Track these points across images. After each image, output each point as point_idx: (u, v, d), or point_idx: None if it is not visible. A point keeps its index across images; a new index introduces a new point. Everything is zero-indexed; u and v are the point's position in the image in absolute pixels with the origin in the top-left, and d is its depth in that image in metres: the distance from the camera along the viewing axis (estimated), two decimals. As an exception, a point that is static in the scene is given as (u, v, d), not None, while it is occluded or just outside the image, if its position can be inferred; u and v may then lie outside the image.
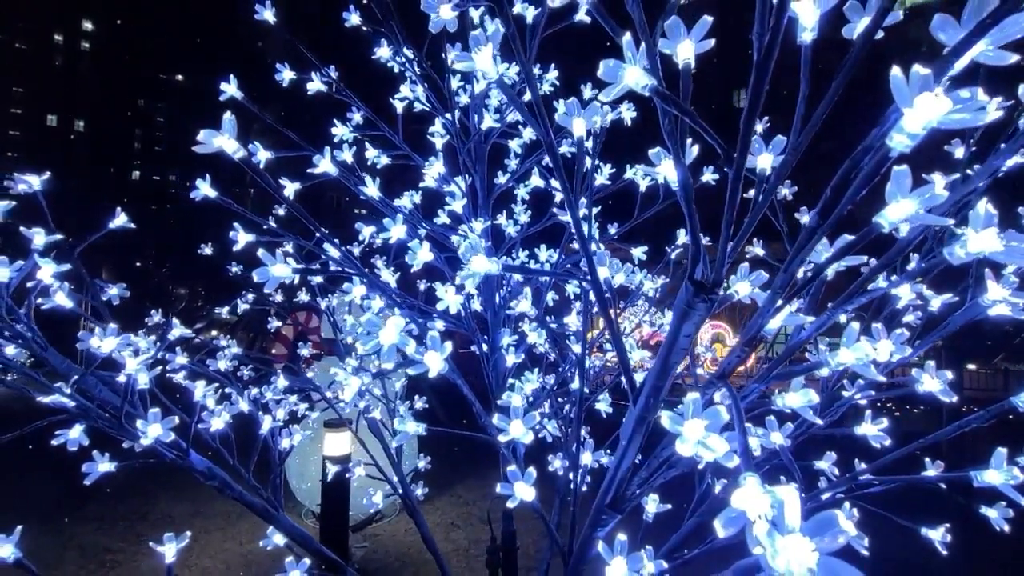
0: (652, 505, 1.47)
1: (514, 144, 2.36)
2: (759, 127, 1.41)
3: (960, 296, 1.30)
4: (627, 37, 0.60)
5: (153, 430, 1.17)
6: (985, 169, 0.52)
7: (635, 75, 0.62)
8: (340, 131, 1.93)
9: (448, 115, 1.92)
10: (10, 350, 1.42)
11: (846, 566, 0.37)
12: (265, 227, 1.76)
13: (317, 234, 1.45)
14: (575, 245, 2.22)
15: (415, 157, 2.00)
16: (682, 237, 2.03)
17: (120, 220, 1.69)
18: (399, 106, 2.11)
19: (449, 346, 0.82)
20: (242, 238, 1.50)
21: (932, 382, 1.02)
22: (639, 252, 2.02)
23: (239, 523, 6.45)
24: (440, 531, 6.81)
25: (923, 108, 0.41)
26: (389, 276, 2.26)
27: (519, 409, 0.94)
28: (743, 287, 0.89)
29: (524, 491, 0.95)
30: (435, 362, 0.83)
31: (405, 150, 1.99)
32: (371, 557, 6.32)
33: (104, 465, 1.31)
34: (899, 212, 0.56)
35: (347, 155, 1.80)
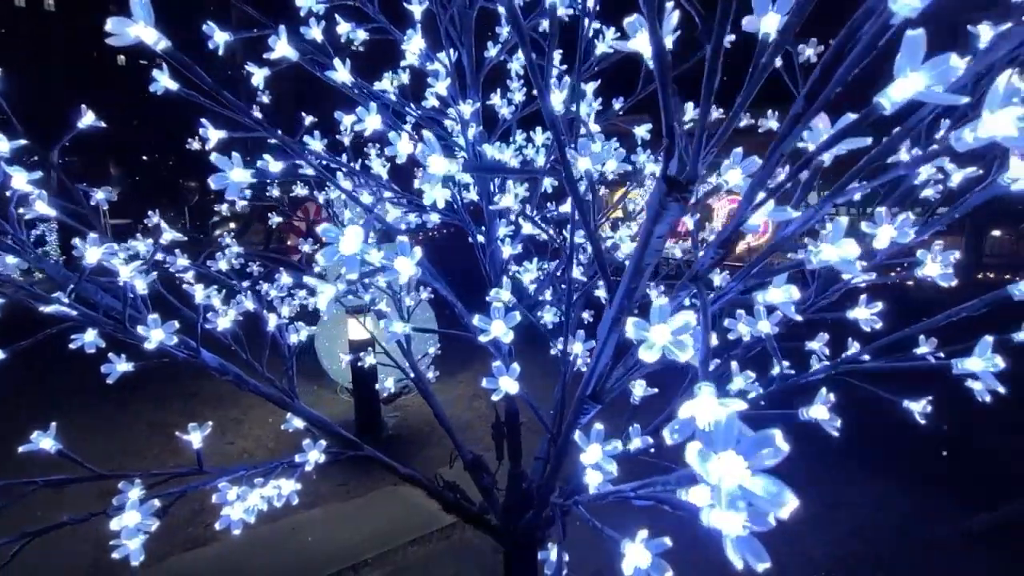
0: (639, 389, 1.55)
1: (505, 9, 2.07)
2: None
3: (985, 169, 1.19)
4: None
5: (156, 335, 1.22)
6: (1015, 32, 0.42)
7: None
8: (304, 1, 1.70)
9: (425, -26, 1.67)
10: (10, 259, 1.44)
11: (776, 482, 0.37)
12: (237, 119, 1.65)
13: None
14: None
15: (392, 31, 1.79)
16: (690, 112, 1.85)
17: (88, 119, 1.59)
18: (370, -34, 1.83)
19: (419, 251, 0.79)
20: (212, 135, 1.42)
21: (932, 266, 0.98)
22: (642, 131, 1.86)
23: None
24: (463, 401, 7.49)
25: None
26: (380, 167, 2.16)
27: (500, 309, 0.94)
28: (734, 175, 0.81)
29: (509, 384, 0.98)
30: (406, 267, 0.81)
31: (381, 22, 1.77)
32: (402, 425, 7.08)
33: (122, 366, 1.40)
34: (906, 89, 0.47)
35: (316, 32, 1.61)
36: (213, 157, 0.83)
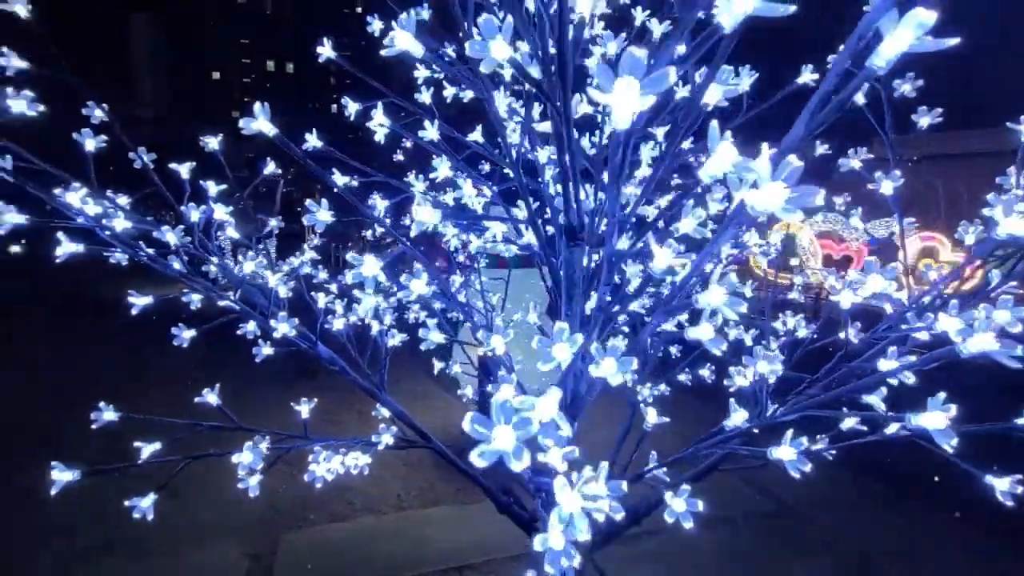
0: (652, 416, 1.56)
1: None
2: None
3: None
4: None
5: (281, 327, 1.65)
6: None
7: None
8: (422, 73, 2.12)
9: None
10: (212, 268, 2.06)
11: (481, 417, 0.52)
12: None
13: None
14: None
15: (489, 94, 2.11)
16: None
17: (270, 168, 2.19)
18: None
19: (425, 277, 1.04)
20: (339, 180, 1.87)
21: (949, 320, 0.91)
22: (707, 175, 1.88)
23: (400, 387, 8.05)
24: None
25: (624, 93, 0.45)
26: (473, 202, 2.50)
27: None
28: (687, 224, 0.91)
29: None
30: (419, 287, 1.06)
31: (482, 86, 2.11)
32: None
33: (266, 349, 1.89)
34: (715, 166, 0.58)
35: (425, 95, 2.00)
36: (307, 202, 1.19)
